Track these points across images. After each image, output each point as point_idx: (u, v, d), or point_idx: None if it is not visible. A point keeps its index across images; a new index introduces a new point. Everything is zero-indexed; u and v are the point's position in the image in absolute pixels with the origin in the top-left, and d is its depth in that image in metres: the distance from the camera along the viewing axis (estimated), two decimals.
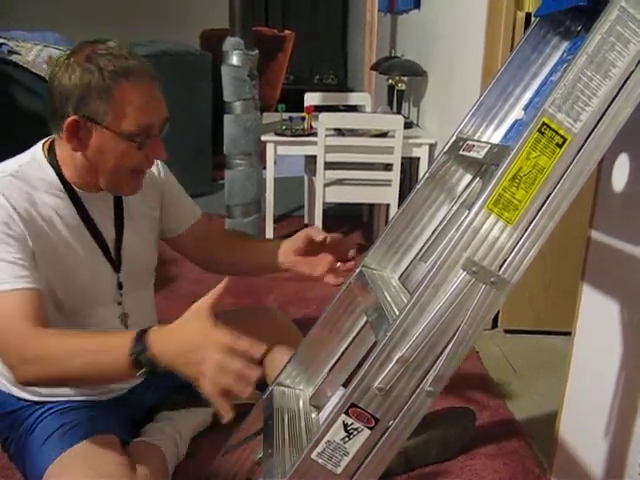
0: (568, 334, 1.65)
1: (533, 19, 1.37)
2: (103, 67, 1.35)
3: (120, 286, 1.62)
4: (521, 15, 2.46)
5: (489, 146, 1.21)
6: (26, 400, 1.60)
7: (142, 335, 1.20)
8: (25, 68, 3.71)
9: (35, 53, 3.77)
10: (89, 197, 1.52)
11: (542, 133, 1.05)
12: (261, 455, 1.48)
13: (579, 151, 1.07)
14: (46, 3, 6.87)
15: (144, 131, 1.40)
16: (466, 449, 1.86)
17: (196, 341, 1.16)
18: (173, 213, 1.76)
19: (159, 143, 1.46)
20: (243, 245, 1.87)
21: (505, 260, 1.07)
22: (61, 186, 1.48)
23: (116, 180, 1.47)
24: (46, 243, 1.44)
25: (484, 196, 1.05)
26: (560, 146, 1.06)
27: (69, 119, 1.37)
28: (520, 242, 1.07)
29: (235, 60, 3.04)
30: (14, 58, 3.66)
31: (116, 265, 1.61)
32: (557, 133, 1.05)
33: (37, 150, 1.51)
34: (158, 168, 1.72)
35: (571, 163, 1.07)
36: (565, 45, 1.35)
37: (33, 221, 1.41)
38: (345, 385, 1.48)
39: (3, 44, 3.69)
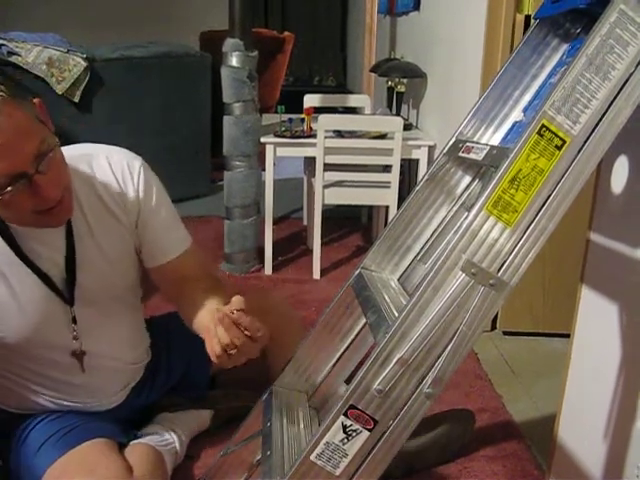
0: (567, 336, 1.65)
1: (532, 21, 1.37)
2: None
3: (74, 320, 1.50)
4: (520, 17, 2.46)
5: (488, 148, 1.21)
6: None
7: None
8: (25, 69, 3.70)
9: (35, 54, 3.76)
10: (29, 231, 1.40)
11: (541, 135, 1.05)
12: (260, 456, 1.48)
13: (578, 153, 1.07)
14: (46, 4, 6.87)
15: (8, 180, 1.21)
16: (465, 451, 1.86)
17: None
18: (147, 240, 1.57)
19: (39, 182, 1.23)
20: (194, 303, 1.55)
21: (504, 262, 1.07)
22: None
23: (25, 223, 1.36)
24: None
25: (483, 198, 1.05)
26: (559, 148, 1.06)
27: None
28: (519, 244, 1.07)
29: (235, 61, 3.04)
30: (13, 59, 3.66)
31: (66, 298, 1.48)
32: (556, 135, 1.05)
33: None
34: (131, 182, 1.51)
35: (570, 165, 1.07)
36: (564, 47, 1.35)
37: None
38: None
39: (3, 45, 3.69)
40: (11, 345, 1.46)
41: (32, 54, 3.76)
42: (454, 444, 1.83)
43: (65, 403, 1.60)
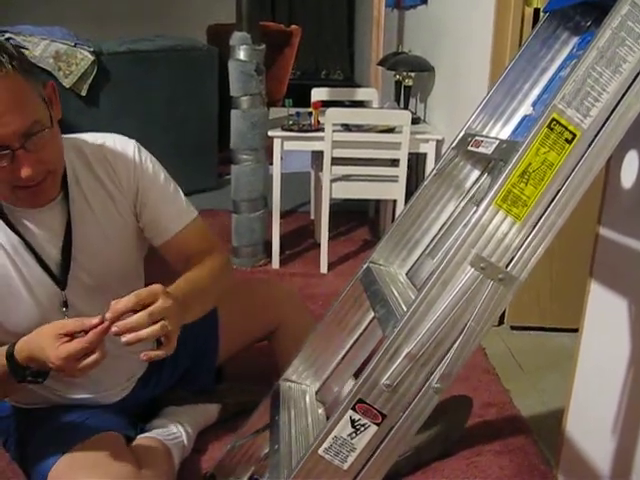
0: (575, 331, 1.65)
1: (542, 14, 1.36)
2: None
3: (65, 304, 1.49)
4: (529, 10, 2.45)
5: (498, 142, 1.21)
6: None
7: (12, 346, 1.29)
8: (32, 63, 3.70)
9: (42, 48, 3.77)
10: (29, 213, 1.41)
11: (551, 129, 1.05)
12: (267, 450, 1.48)
13: (589, 147, 1.06)
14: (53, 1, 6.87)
15: None
16: (472, 446, 1.86)
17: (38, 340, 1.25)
18: (150, 218, 1.57)
19: (20, 158, 1.24)
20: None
21: (513, 256, 1.07)
22: None
23: (2, 196, 1.35)
24: None
25: (492, 192, 1.05)
26: (569, 142, 1.05)
27: None
28: (529, 238, 1.07)
29: (242, 55, 3.03)
30: None
31: (60, 282, 1.47)
32: (566, 129, 1.05)
33: None
34: (127, 162, 1.52)
35: (580, 159, 1.06)
36: (574, 40, 1.34)
37: None
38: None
39: (10, 39, 3.69)
40: (17, 334, 1.45)
41: (39, 48, 3.76)
42: (456, 433, 1.84)
43: (70, 396, 1.60)
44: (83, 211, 1.48)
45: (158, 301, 1.22)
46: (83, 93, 3.90)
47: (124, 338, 1.19)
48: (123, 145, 1.54)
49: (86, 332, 1.20)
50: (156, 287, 1.25)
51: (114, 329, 1.18)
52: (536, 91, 1.37)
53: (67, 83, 3.81)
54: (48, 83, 1.34)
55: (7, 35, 3.72)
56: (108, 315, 1.19)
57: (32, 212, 1.41)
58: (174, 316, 1.24)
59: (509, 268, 1.07)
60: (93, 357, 1.20)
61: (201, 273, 1.49)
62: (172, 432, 1.72)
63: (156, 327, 1.20)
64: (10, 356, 1.27)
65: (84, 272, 1.50)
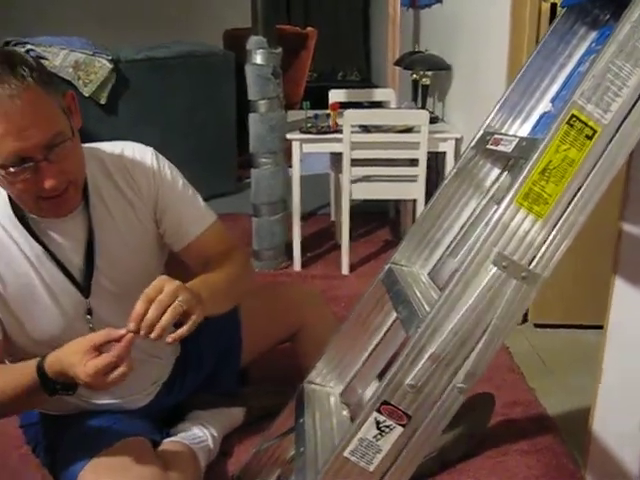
0: (600, 327, 1.63)
1: (559, 10, 1.35)
2: None
3: (89, 312, 1.50)
4: (546, 6, 2.43)
5: (517, 140, 1.20)
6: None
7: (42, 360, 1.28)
8: (52, 73, 3.74)
9: (62, 58, 3.80)
10: (52, 223, 1.42)
11: (571, 125, 1.04)
12: (293, 453, 1.49)
13: (609, 142, 1.05)
14: (71, 8, 6.94)
15: (14, 160, 1.22)
16: (498, 445, 1.85)
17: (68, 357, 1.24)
18: (169, 225, 1.58)
19: (43, 170, 1.25)
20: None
21: (536, 254, 1.06)
22: (10, 215, 1.40)
23: (27, 207, 1.36)
24: (8, 287, 1.41)
25: (513, 190, 1.04)
26: (590, 138, 1.04)
27: None
28: (551, 236, 1.06)
29: (259, 59, 3.04)
30: None
31: (83, 290, 1.48)
32: (587, 125, 1.04)
33: None
34: (145, 170, 1.54)
35: (601, 155, 1.05)
36: (593, 35, 1.33)
37: None
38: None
39: (31, 50, 3.73)
40: (42, 342, 1.47)
41: (59, 58, 3.80)
42: (480, 431, 1.83)
43: (96, 402, 1.61)
44: (104, 219, 1.49)
45: (164, 288, 1.24)
46: (102, 101, 3.93)
47: (152, 335, 1.21)
48: (141, 153, 1.55)
49: (117, 341, 1.21)
50: (158, 279, 1.27)
51: (142, 332, 1.20)
52: (555, 87, 1.36)
53: (87, 92, 3.84)
54: (67, 93, 1.36)
55: (28, 47, 3.76)
56: (131, 325, 1.21)
57: (55, 222, 1.42)
58: (185, 293, 1.26)
59: (532, 266, 1.06)
60: (120, 370, 1.20)
61: (219, 271, 1.51)
62: (198, 436, 1.72)
63: (170, 310, 1.22)
64: (40, 371, 1.27)
65: (107, 279, 1.51)
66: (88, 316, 1.50)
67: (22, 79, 1.20)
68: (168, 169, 1.57)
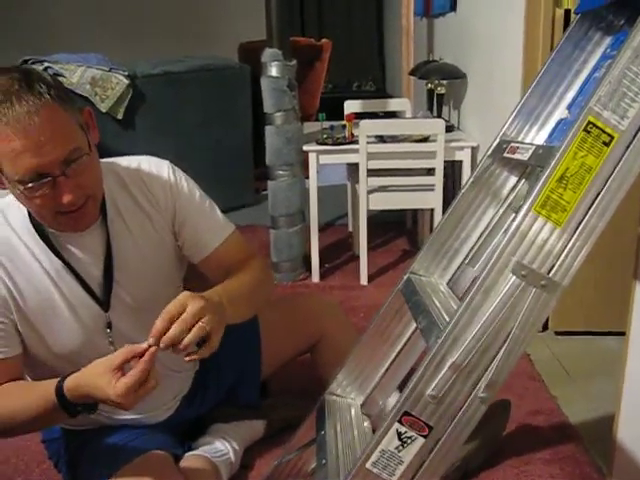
0: (621, 334, 1.62)
1: (573, 16, 1.35)
2: None
3: (109, 326, 1.51)
4: (560, 12, 2.43)
5: (534, 147, 1.20)
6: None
7: (61, 385, 1.29)
8: (69, 90, 3.77)
9: (79, 75, 3.84)
10: (68, 236, 1.43)
11: (588, 132, 1.04)
12: (315, 465, 1.48)
13: (627, 149, 1.05)
14: (86, 24, 7.00)
15: (32, 176, 1.24)
16: (520, 454, 1.84)
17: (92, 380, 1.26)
18: (187, 237, 1.59)
19: (60, 185, 1.27)
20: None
21: (555, 262, 1.06)
22: (30, 230, 1.41)
23: (46, 222, 1.38)
24: (28, 302, 1.43)
25: (531, 198, 1.04)
26: (607, 144, 1.04)
27: None
28: (570, 244, 1.06)
29: (274, 71, 3.06)
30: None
31: (103, 304, 1.49)
32: (604, 131, 1.04)
33: (10, 198, 1.42)
34: (162, 183, 1.55)
35: (619, 161, 1.05)
36: (608, 41, 1.33)
37: (12, 277, 1.40)
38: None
39: (48, 67, 3.77)
40: (62, 355, 1.48)
41: (76, 75, 3.84)
42: (499, 437, 1.83)
43: (117, 417, 1.61)
44: (122, 233, 1.50)
45: (188, 307, 1.23)
46: (119, 117, 3.97)
47: (174, 352, 1.21)
48: (158, 166, 1.56)
49: (139, 357, 1.22)
50: (182, 295, 1.27)
51: (161, 345, 1.20)
52: (571, 94, 1.36)
53: (104, 108, 3.88)
54: (85, 109, 1.38)
55: (45, 64, 3.81)
56: (151, 340, 1.21)
57: (74, 236, 1.43)
58: (210, 314, 1.25)
59: (551, 274, 1.06)
60: (150, 384, 1.22)
61: (240, 278, 1.51)
62: (219, 449, 1.72)
63: (194, 330, 1.22)
64: (60, 394, 1.28)
65: (126, 293, 1.52)
66: (108, 330, 1.51)
67: (40, 96, 1.22)
68: (185, 181, 1.58)
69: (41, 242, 1.42)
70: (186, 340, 1.20)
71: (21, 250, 1.41)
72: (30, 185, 1.25)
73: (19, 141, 1.20)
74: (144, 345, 1.21)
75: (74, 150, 1.27)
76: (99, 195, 1.42)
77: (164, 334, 1.21)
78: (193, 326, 1.22)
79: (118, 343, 1.48)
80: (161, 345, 1.20)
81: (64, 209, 1.31)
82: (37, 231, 1.42)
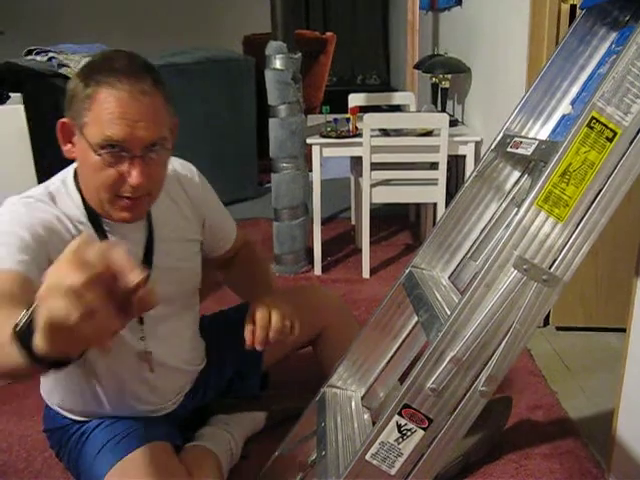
0: (622, 330, 1.62)
1: (578, 11, 1.35)
2: (93, 73, 1.30)
3: (141, 321, 1.53)
4: (565, 7, 2.42)
5: (537, 142, 1.20)
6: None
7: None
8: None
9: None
10: (116, 227, 1.44)
11: (591, 127, 1.04)
12: (314, 457, 1.49)
13: (630, 144, 1.05)
14: (92, 15, 7.01)
15: (111, 145, 1.29)
16: (520, 449, 1.84)
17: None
18: (211, 237, 1.70)
19: (136, 165, 1.31)
20: (244, 278, 1.80)
21: (557, 257, 1.06)
22: (85, 214, 1.42)
23: (99, 202, 1.38)
24: None
25: (534, 193, 1.04)
26: (610, 140, 1.04)
27: (60, 120, 1.36)
28: (572, 239, 1.06)
29: (278, 64, 3.05)
30: (63, 71, 3.73)
31: None
32: (607, 127, 1.04)
33: (68, 174, 1.47)
34: (195, 185, 1.63)
35: (622, 157, 1.05)
36: (613, 36, 1.32)
37: (51, 255, 1.34)
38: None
39: (53, 57, 3.77)
40: None
41: (81, 65, 3.83)
42: (499, 433, 1.84)
43: (120, 409, 1.62)
44: (160, 231, 1.53)
45: (272, 316, 1.53)
46: None
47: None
48: (188, 168, 1.64)
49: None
50: (262, 309, 1.53)
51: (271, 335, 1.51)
52: (575, 89, 1.36)
53: None
54: (175, 118, 1.44)
55: (50, 54, 3.80)
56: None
57: (119, 228, 1.44)
58: (287, 314, 1.57)
59: (553, 269, 1.06)
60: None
61: (258, 264, 1.83)
62: (220, 440, 1.73)
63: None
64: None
65: (158, 288, 1.53)
66: (141, 326, 1.54)
67: (156, 84, 1.34)
68: (208, 184, 1.69)
69: (91, 229, 1.43)
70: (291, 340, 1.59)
71: (72, 234, 1.40)
72: (111, 150, 1.29)
73: (121, 108, 1.27)
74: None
75: (161, 139, 1.34)
76: (156, 196, 1.45)
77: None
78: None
79: (148, 336, 1.55)
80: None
81: (126, 192, 1.34)
82: (90, 219, 1.43)
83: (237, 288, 1.83)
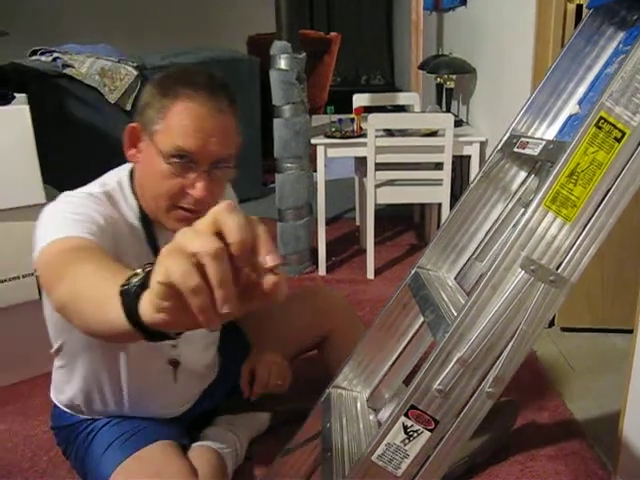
0: (628, 332, 1.62)
1: (585, 11, 1.34)
2: (172, 84, 1.35)
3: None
4: (572, 7, 2.41)
5: (544, 142, 1.19)
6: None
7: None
8: (79, 80, 3.78)
9: (88, 65, 3.84)
10: (166, 235, 1.45)
11: (599, 127, 1.03)
12: (320, 458, 1.48)
13: (639, 145, 1.04)
14: (95, 15, 7.02)
15: (181, 156, 1.32)
16: (525, 450, 1.84)
17: None
18: None
19: (202, 178, 1.34)
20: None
21: (564, 258, 1.05)
22: (139, 218, 1.44)
23: (155, 209, 1.40)
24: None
25: (541, 194, 1.04)
26: (619, 140, 1.03)
27: (129, 125, 1.39)
28: (579, 240, 1.05)
29: (283, 64, 3.05)
30: (68, 71, 3.74)
31: None
32: (615, 127, 1.03)
33: (123, 175, 1.48)
34: (231, 196, 1.72)
35: (630, 157, 1.04)
36: (621, 36, 1.32)
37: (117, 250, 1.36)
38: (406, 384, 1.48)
39: (58, 58, 3.78)
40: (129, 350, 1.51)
41: (85, 65, 3.84)
42: (506, 435, 1.83)
43: (143, 410, 1.64)
44: None
45: (271, 377, 1.76)
46: (128, 108, 3.97)
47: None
48: None
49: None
50: (262, 372, 1.74)
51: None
52: (582, 89, 1.35)
53: (112, 99, 3.88)
54: (240, 137, 1.48)
55: (55, 55, 3.81)
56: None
57: (169, 235, 1.42)
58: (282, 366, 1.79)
59: (560, 270, 1.05)
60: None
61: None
62: (225, 440, 1.73)
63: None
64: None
65: None
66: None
67: (231, 104, 1.40)
68: (235, 197, 1.76)
69: (143, 234, 1.45)
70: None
71: (125, 235, 1.42)
72: (181, 161, 1.32)
73: (197, 121, 1.32)
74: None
75: (228, 156, 1.38)
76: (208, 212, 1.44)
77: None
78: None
79: (180, 345, 1.59)
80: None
81: (185, 204, 1.36)
82: (143, 224, 1.45)
83: (244, 320, 1.87)
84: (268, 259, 0.61)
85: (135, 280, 0.72)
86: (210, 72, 1.42)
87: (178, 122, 1.32)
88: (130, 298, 0.71)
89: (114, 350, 1.52)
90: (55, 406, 1.69)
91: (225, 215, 0.63)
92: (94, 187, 1.43)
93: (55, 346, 1.55)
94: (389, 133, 3.17)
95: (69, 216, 1.25)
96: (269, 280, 0.62)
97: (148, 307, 0.64)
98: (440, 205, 3.20)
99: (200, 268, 0.58)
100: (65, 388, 1.62)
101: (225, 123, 1.37)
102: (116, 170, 1.50)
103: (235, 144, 1.42)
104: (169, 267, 0.59)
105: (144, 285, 0.67)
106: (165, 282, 0.59)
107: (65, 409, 1.65)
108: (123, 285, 0.73)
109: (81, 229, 1.21)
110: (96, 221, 1.28)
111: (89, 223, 1.25)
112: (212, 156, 1.34)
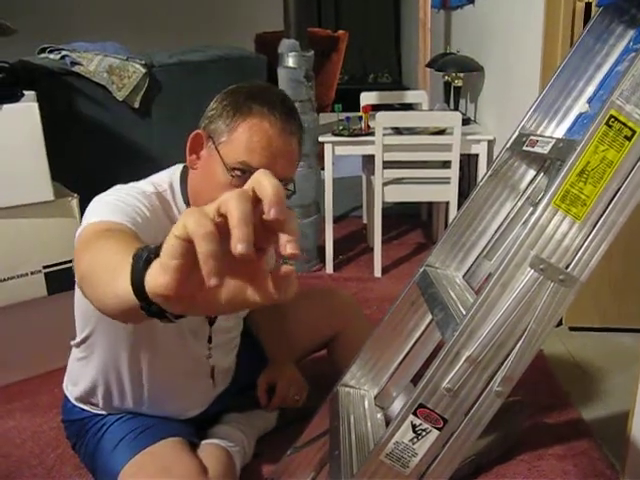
0: (636, 331, 1.61)
1: (594, 9, 1.34)
2: (247, 99, 1.37)
3: (210, 340, 1.62)
4: (581, 5, 2.40)
5: (554, 141, 1.19)
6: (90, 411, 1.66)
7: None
8: (87, 78, 3.78)
9: (96, 63, 3.84)
10: None
11: (610, 126, 1.03)
12: (327, 456, 1.48)
13: None
14: (103, 14, 7.03)
15: (244, 170, 1.32)
16: (533, 449, 1.83)
17: None
18: None
19: None
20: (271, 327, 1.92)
21: (574, 257, 1.05)
22: None
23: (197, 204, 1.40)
24: None
25: (551, 192, 1.03)
26: (629, 139, 1.03)
27: (195, 131, 1.42)
28: (589, 238, 1.05)
29: (291, 62, 3.05)
30: (76, 69, 3.74)
31: (212, 319, 1.61)
32: (626, 125, 1.03)
33: (175, 179, 1.49)
34: None
35: None
36: (631, 34, 1.31)
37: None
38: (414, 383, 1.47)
39: (66, 55, 3.78)
40: (170, 339, 1.54)
41: (93, 63, 3.84)
42: (515, 435, 1.83)
43: (159, 409, 1.65)
44: None
45: (290, 391, 1.85)
46: (136, 105, 3.96)
47: None
48: None
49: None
50: (282, 387, 1.81)
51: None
52: (591, 88, 1.35)
53: (120, 96, 3.87)
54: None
55: (63, 52, 3.81)
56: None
57: None
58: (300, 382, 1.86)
59: (569, 269, 1.05)
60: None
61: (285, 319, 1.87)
62: (234, 439, 1.73)
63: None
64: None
65: None
66: (209, 344, 1.64)
67: (300, 128, 1.42)
68: None
69: None
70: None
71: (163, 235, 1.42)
72: (243, 175, 1.32)
73: (268, 140, 1.33)
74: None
75: (289, 179, 1.41)
76: None
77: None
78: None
79: (214, 356, 1.66)
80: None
81: None
82: None
83: (261, 332, 1.91)
84: (289, 247, 0.61)
85: (151, 247, 0.71)
86: (283, 93, 1.45)
87: (248, 138, 1.33)
88: (140, 262, 0.69)
89: (139, 348, 1.53)
90: (67, 399, 1.69)
91: (261, 174, 0.63)
92: (147, 186, 1.43)
93: (81, 336, 1.55)
94: (397, 131, 3.16)
95: (116, 203, 1.28)
96: (282, 269, 0.61)
97: (154, 270, 0.62)
98: (448, 203, 3.20)
99: (218, 226, 0.56)
100: (81, 380, 1.62)
101: (293, 146, 1.38)
102: (167, 171, 1.51)
103: (296, 167, 1.44)
104: (186, 220, 0.56)
105: (158, 254, 0.63)
106: (179, 235, 0.57)
107: (75, 403, 1.66)
108: (137, 251, 0.72)
109: (122, 217, 1.22)
110: (141, 214, 1.30)
111: (134, 214, 1.27)
112: (275, 176, 1.32)
